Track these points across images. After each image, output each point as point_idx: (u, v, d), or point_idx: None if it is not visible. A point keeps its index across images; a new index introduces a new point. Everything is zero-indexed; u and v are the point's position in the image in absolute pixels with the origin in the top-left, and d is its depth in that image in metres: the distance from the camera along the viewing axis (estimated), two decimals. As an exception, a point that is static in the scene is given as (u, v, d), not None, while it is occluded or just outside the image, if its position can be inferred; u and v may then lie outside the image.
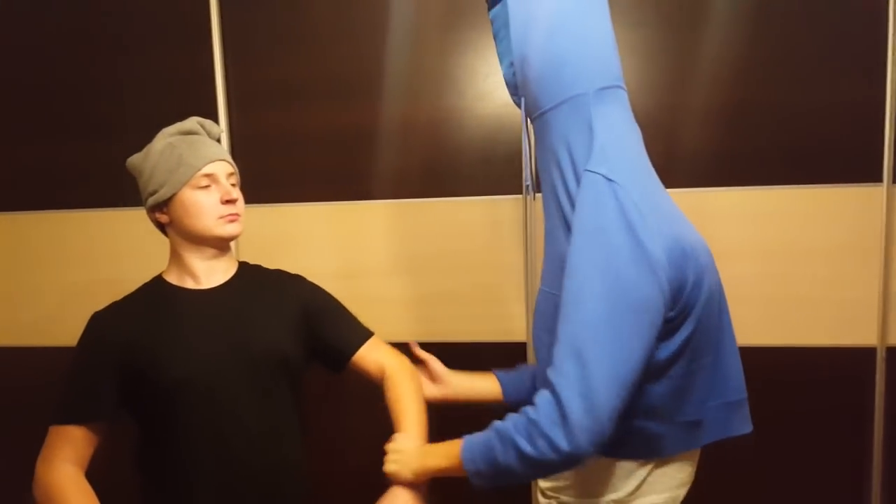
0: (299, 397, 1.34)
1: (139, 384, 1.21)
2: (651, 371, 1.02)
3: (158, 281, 1.31)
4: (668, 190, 1.66)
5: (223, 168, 1.25)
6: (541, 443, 0.95)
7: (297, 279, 1.39)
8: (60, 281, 1.93)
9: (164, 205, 1.25)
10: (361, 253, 1.80)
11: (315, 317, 1.34)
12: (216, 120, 1.80)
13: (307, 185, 1.80)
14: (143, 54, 1.84)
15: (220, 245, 1.28)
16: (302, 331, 1.32)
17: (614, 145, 1.04)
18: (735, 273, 1.68)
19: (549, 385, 0.97)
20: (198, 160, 1.22)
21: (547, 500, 1.22)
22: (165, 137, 1.26)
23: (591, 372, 0.94)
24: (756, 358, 1.69)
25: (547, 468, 0.97)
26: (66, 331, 1.93)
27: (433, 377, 1.38)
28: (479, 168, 1.75)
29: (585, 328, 0.95)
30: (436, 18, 1.73)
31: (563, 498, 1.17)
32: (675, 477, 1.12)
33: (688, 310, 1.01)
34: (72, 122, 1.88)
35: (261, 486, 1.24)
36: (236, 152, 1.83)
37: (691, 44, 1.65)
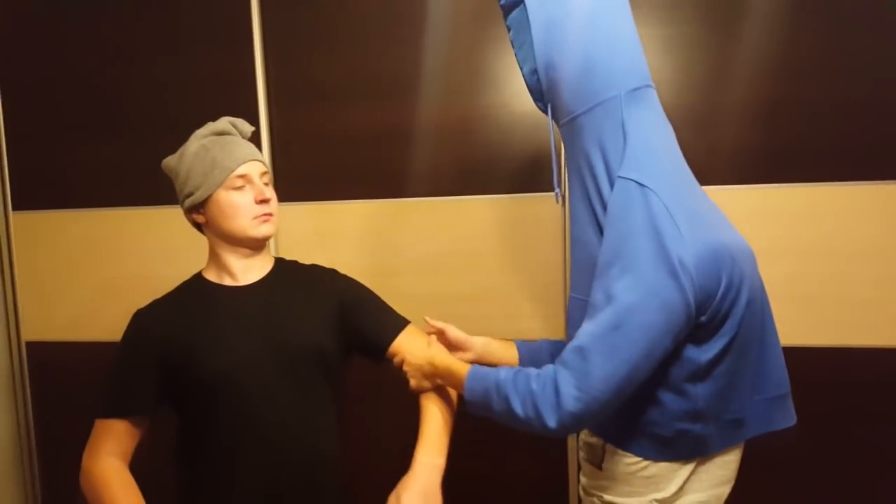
0: (337, 392, 1.35)
1: (179, 379, 1.24)
2: (694, 374, 1.04)
3: (198, 278, 1.34)
4: (707, 187, 1.65)
5: (256, 168, 1.27)
6: (531, 412, 1.02)
7: (332, 273, 1.41)
8: (95, 277, 1.98)
9: (200, 206, 1.27)
10: (397, 250, 1.81)
11: (351, 308, 1.35)
12: (256, 119, 1.83)
13: (345, 183, 1.82)
14: (184, 55, 1.87)
15: (255, 245, 1.31)
16: (338, 324, 1.33)
17: (647, 149, 1.04)
18: (776, 271, 1.64)
19: (554, 366, 1.03)
20: (231, 161, 1.24)
21: (588, 498, 1.22)
22: (198, 139, 1.28)
23: (590, 368, 0.99)
24: (799, 358, 1.64)
25: (525, 429, 1.05)
26: (101, 326, 1.99)
27: (453, 345, 1.36)
28: (515, 165, 1.74)
29: (598, 325, 1.00)
30: (470, 17, 1.73)
31: (606, 497, 1.17)
32: (717, 475, 1.12)
33: (725, 314, 1.02)
34: (112, 121, 1.93)
35: (297, 479, 1.25)
36: (276, 151, 1.85)
37: (729, 40, 1.62)
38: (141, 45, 1.89)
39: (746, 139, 1.64)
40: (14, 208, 2.00)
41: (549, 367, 1.04)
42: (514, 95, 1.73)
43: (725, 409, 1.07)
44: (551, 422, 1.00)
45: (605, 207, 1.05)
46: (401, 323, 1.37)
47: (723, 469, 1.12)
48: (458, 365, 1.20)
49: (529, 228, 1.74)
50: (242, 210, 1.25)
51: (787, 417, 1.16)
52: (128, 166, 1.93)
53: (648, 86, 1.09)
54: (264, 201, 1.26)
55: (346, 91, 1.80)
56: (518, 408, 1.04)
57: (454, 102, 1.76)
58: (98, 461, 1.22)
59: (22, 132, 1.98)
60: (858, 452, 1.67)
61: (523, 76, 1.15)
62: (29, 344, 2.04)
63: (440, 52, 1.75)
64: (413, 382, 1.29)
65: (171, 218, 1.91)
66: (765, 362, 1.11)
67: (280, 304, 1.30)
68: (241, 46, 1.83)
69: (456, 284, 1.80)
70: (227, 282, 1.31)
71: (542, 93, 1.12)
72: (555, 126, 1.16)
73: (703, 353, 1.03)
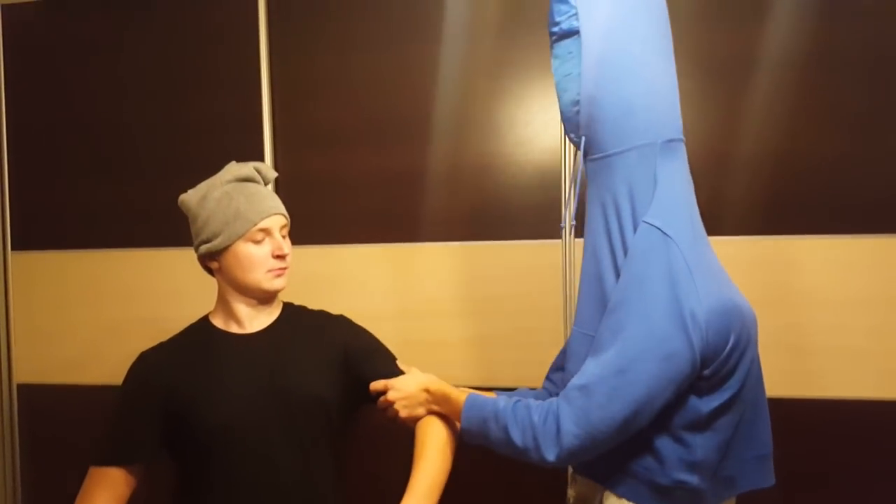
0: (340, 445, 1.32)
1: (179, 428, 1.21)
2: (695, 424, 1.05)
3: (205, 323, 1.32)
4: (715, 237, 1.66)
5: (278, 222, 1.26)
6: (530, 442, 1.05)
7: (339, 319, 1.39)
8: (93, 319, 1.96)
9: (216, 254, 1.25)
10: (403, 295, 1.80)
11: (355, 356, 1.33)
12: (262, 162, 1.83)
13: (352, 228, 1.82)
14: (191, 97, 1.89)
15: (266, 297, 1.30)
16: (343, 372, 1.31)
17: (674, 201, 1.07)
18: (777, 322, 1.64)
19: (557, 401, 1.05)
20: (255, 214, 1.22)
21: None
22: (222, 185, 1.26)
23: (592, 408, 1.01)
24: (796, 409, 1.64)
25: (519, 458, 1.07)
26: (98, 369, 1.95)
27: None
28: (522, 212, 1.75)
29: (604, 367, 1.02)
30: (479, 63, 1.76)
31: None
32: None
33: (731, 370, 1.04)
34: (115, 162, 1.93)
35: None
36: (283, 194, 1.85)
37: (734, 92, 1.65)
38: (147, 87, 1.91)
39: (748, 191, 1.66)
40: (13, 248, 1.99)
41: (552, 401, 1.06)
42: (519, 144, 1.75)
43: (720, 464, 1.09)
44: (550, 455, 1.03)
45: (624, 247, 1.07)
46: (400, 371, 1.34)
47: None
48: (454, 391, 1.21)
49: (536, 274, 1.74)
50: (259, 264, 1.24)
51: (769, 477, 1.17)
52: (129, 207, 1.93)
53: (681, 140, 1.11)
54: (280, 257, 1.25)
55: (352, 136, 1.82)
56: (517, 438, 1.06)
57: (460, 148, 1.77)
58: None
59: (25, 171, 1.98)
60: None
61: (560, 106, 1.15)
62: (20, 386, 2.00)
63: (446, 99, 1.78)
64: (404, 413, 1.26)
65: (171, 260, 1.90)
66: (758, 421, 1.13)
67: (285, 354, 1.28)
68: (249, 90, 1.85)
69: (462, 329, 1.78)
70: (234, 329, 1.29)
71: (579, 126, 1.12)
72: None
73: (704, 404, 1.04)
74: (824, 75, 1.62)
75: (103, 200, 1.94)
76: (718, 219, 1.66)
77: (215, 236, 1.23)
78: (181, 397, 1.21)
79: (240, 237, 1.22)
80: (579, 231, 1.24)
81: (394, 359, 1.37)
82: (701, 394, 1.03)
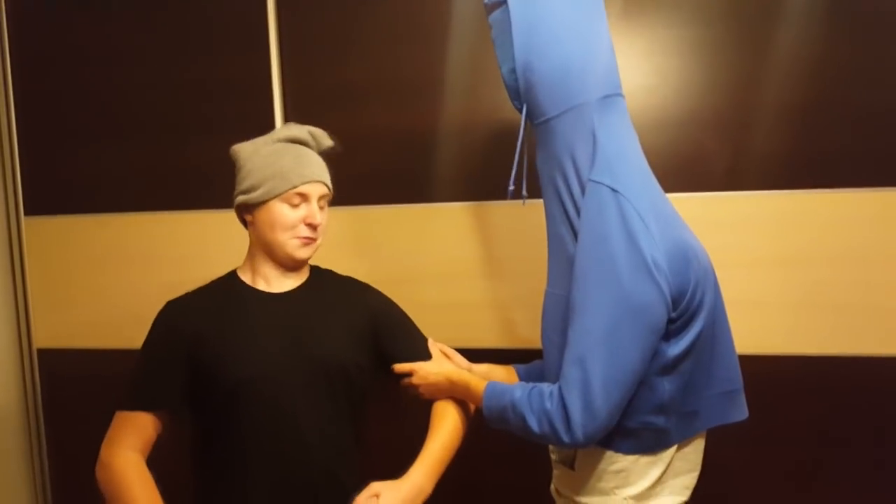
0: (359, 409, 1.33)
1: (202, 380, 1.22)
2: (662, 368, 1.09)
3: (232, 277, 1.32)
4: (738, 192, 1.62)
5: (318, 190, 1.25)
6: (546, 428, 1.08)
7: (369, 289, 1.39)
8: (109, 283, 1.96)
9: (251, 207, 1.25)
10: (418, 256, 1.78)
11: (383, 330, 1.34)
12: (272, 124, 1.80)
13: (365, 188, 1.79)
14: (200, 59, 1.85)
15: (291, 263, 1.29)
16: (369, 342, 1.32)
17: (617, 154, 1.10)
18: (805, 278, 1.60)
19: (560, 384, 1.08)
20: (297, 177, 1.22)
21: (561, 499, 1.27)
22: (274, 142, 1.26)
23: (590, 377, 1.04)
24: (823, 367, 1.61)
25: (543, 443, 1.13)
26: (115, 333, 1.96)
27: None
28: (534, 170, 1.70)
29: (588, 335, 1.05)
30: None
31: (580, 499, 1.21)
32: (679, 467, 1.18)
33: (694, 310, 1.09)
34: (126, 126, 1.90)
35: (310, 492, 1.23)
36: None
37: (757, 42, 1.58)
38: (155, 49, 1.87)
39: (774, 144, 1.60)
40: (26, 213, 1.98)
41: (556, 385, 1.09)
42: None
43: (683, 402, 1.13)
44: (566, 437, 1.06)
45: (576, 207, 1.11)
46: (430, 354, 1.37)
47: (683, 461, 1.19)
48: (474, 381, 1.25)
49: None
50: (289, 226, 1.23)
51: (740, 411, 1.22)
52: (141, 171, 1.91)
53: (619, 94, 1.15)
54: (312, 225, 1.24)
55: (364, 95, 1.77)
56: (534, 425, 1.09)
57: (475, 105, 1.72)
58: (117, 454, 1.20)
59: (35, 136, 1.96)
60: (868, 462, 1.62)
61: (502, 75, 1.19)
62: (41, 351, 2.02)
63: (461, 55, 1.72)
64: (425, 396, 1.34)
65: (185, 223, 1.89)
66: (717, 358, 1.17)
67: (312, 317, 1.28)
68: (257, 50, 1.81)
69: (477, 292, 1.76)
70: (261, 286, 1.29)
71: (519, 93, 1.16)
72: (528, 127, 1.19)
73: (671, 348, 1.08)
74: (854, 24, 1.54)
75: (113, 164, 1.92)
76: (747, 173, 1.61)
77: (254, 189, 1.23)
78: (207, 349, 1.22)
79: (277, 195, 1.22)
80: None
81: (424, 340, 1.39)
82: (668, 338, 1.08)
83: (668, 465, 1.16)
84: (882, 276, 1.57)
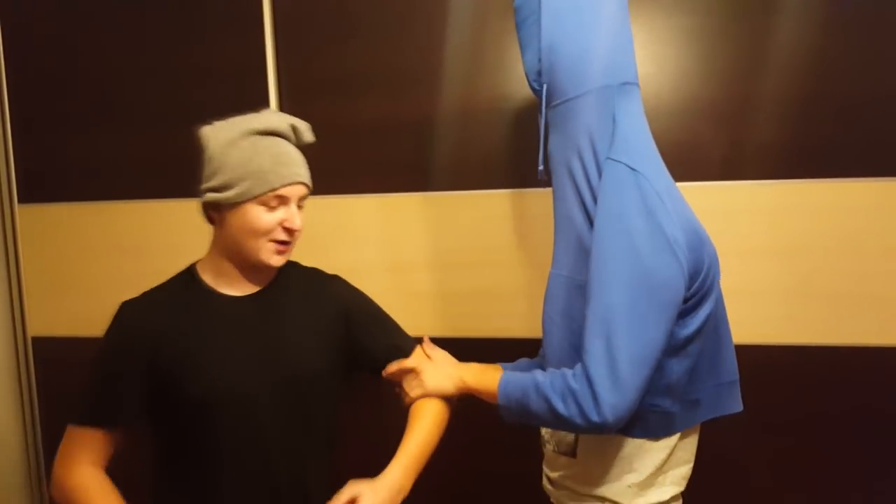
0: (332, 414, 1.27)
1: (163, 390, 1.13)
2: (672, 348, 1.09)
3: (192, 277, 1.21)
4: (733, 182, 1.62)
5: (298, 192, 1.15)
6: (573, 408, 1.05)
7: (336, 281, 1.32)
8: (103, 271, 1.94)
9: (222, 207, 1.14)
10: (411, 245, 1.77)
11: (356, 323, 1.27)
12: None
13: (361, 176, 1.78)
14: (194, 45, 1.84)
15: (260, 268, 1.19)
16: (340, 339, 1.25)
17: (636, 137, 1.13)
18: (805, 268, 1.60)
19: (581, 362, 1.06)
20: (277, 178, 1.11)
21: (559, 492, 1.26)
22: (250, 133, 1.13)
23: (616, 352, 1.02)
24: (822, 357, 1.61)
25: (570, 427, 1.08)
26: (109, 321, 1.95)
27: None
28: (532, 158, 1.70)
29: (611, 311, 1.03)
30: (491, 5, 1.68)
31: (581, 489, 1.20)
32: (680, 457, 1.19)
33: (706, 291, 1.09)
34: (120, 113, 1.89)
35: None
36: (287, 143, 1.81)
37: (755, 31, 1.58)
38: (149, 35, 1.86)
39: (770, 133, 1.60)
40: (20, 201, 1.97)
41: (579, 365, 1.07)
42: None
43: (687, 389, 1.14)
44: (595, 415, 1.03)
45: (590, 188, 1.12)
46: (409, 345, 1.31)
47: (683, 451, 1.20)
48: (488, 377, 1.22)
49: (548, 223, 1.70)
50: (264, 231, 1.13)
51: (736, 403, 1.23)
52: (136, 159, 1.90)
53: (637, 84, 1.17)
54: (290, 231, 1.15)
55: (361, 82, 1.76)
56: (561, 407, 1.06)
57: (472, 93, 1.71)
58: (73, 471, 1.13)
59: (29, 124, 1.95)
60: (864, 451, 1.63)
61: (524, 59, 1.20)
62: (35, 339, 2.01)
63: (459, 41, 1.71)
64: (414, 394, 1.28)
65: (180, 211, 1.88)
66: (720, 346, 1.18)
67: (279, 320, 1.20)
68: (252, 35, 1.79)
69: (472, 281, 1.75)
70: (224, 288, 1.20)
71: (541, 73, 1.17)
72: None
73: (682, 329, 1.09)
74: (854, 14, 1.53)
75: (108, 152, 1.91)
76: (743, 163, 1.61)
77: (226, 188, 1.11)
78: (168, 359, 1.13)
79: (253, 198, 1.11)
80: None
81: (395, 325, 1.33)
82: (680, 317, 1.08)
83: (671, 453, 1.17)
84: (877, 265, 1.58)
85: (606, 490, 1.17)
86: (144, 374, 1.14)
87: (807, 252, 1.60)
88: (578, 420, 1.04)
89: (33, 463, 2.05)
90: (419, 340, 1.34)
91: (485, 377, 1.23)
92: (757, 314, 1.63)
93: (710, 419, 1.20)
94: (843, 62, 1.55)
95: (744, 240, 1.62)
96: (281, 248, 1.16)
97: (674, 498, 1.20)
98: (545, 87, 1.16)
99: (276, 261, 1.17)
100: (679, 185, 1.58)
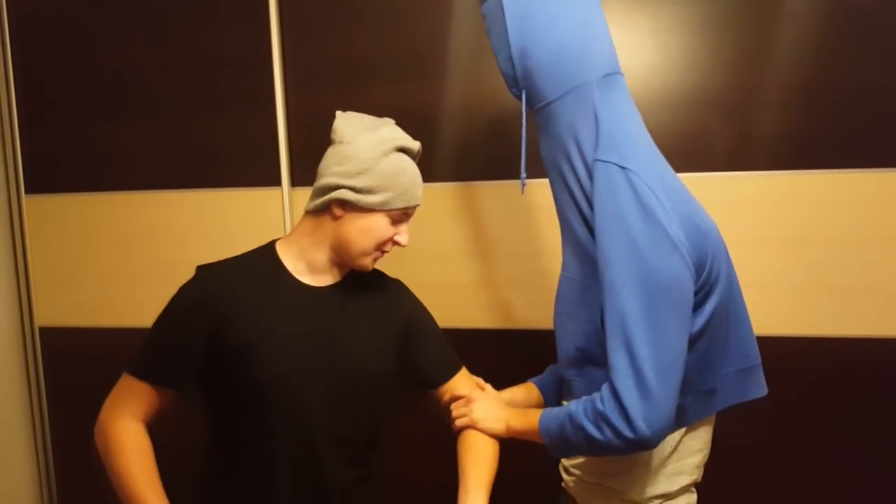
0: (379, 414, 1.29)
1: (224, 364, 1.15)
2: None
3: (273, 258, 1.22)
4: (739, 173, 1.61)
5: (414, 212, 1.24)
6: (607, 431, 1.02)
7: (400, 287, 1.35)
8: (111, 262, 1.95)
9: (354, 207, 1.16)
10: (418, 236, 1.77)
11: (414, 334, 1.30)
12: (273, 100, 1.79)
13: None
14: (201, 35, 1.84)
15: (349, 266, 1.24)
16: (398, 346, 1.28)
17: (621, 131, 1.09)
18: (810, 259, 1.60)
19: (608, 380, 1.03)
20: (413, 197, 1.18)
21: (570, 477, 1.25)
22: (397, 149, 1.17)
23: (640, 363, 0.99)
24: (829, 349, 1.61)
25: (613, 451, 1.04)
26: (117, 312, 1.96)
27: None
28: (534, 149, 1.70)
29: (626, 319, 1.01)
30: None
31: (589, 478, 1.20)
32: (691, 445, 1.17)
33: (711, 284, 1.07)
34: (127, 103, 1.90)
35: (324, 496, 1.20)
36: (293, 134, 1.82)
37: (763, 21, 1.57)
38: (156, 25, 1.86)
39: (776, 124, 1.59)
40: (27, 191, 1.98)
41: (606, 385, 1.04)
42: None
43: (700, 379, 1.12)
44: (629, 432, 1.00)
45: (582, 190, 1.10)
46: (456, 363, 1.33)
47: (696, 440, 1.17)
48: (529, 418, 1.19)
49: (551, 214, 1.70)
50: (379, 239, 1.18)
51: (758, 388, 1.21)
52: (143, 149, 1.90)
53: (618, 72, 1.13)
54: (398, 244, 1.21)
55: (366, 72, 1.76)
56: (594, 431, 1.03)
57: (478, 84, 1.71)
58: (117, 422, 1.15)
59: (36, 114, 1.95)
60: (870, 443, 1.63)
61: (498, 64, 1.17)
62: (43, 330, 2.02)
63: (464, 32, 1.71)
64: (460, 422, 1.28)
65: (187, 202, 1.88)
66: (733, 334, 1.16)
67: (348, 319, 1.23)
68: (258, 26, 1.79)
69: (474, 272, 1.76)
70: (304, 276, 1.22)
71: (517, 80, 1.15)
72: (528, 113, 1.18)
73: (691, 326, 1.06)
74: (853, 7, 1.53)
75: (115, 143, 1.91)
76: (749, 153, 1.61)
77: (371, 193, 1.14)
78: (235, 334, 1.14)
79: (391, 209, 1.16)
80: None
81: (446, 344, 1.34)
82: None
83: (679, 443, 1.15)
84: (882, 257, 1.57)
85: (615, 481, 1.17)
86: (207, 341, 1.15)
87: (813, 243, 1.60)
88: (616, 442, 1.01)
89: (41, 452, 2.07)
90: (461, 365, 1.34)
91: (527, 419, 1.20)
92: (762, 306, 1.63)
93: (730, 406, 1.18)
94: (850, 53, 1.55)
95: (749, 231, 1.61)
96: (381, 255, 1.21)
97: (684, 488, 1.19)
98: (524, 92, 1.15)
99: (373, 266, 1.22)
100: (684, 175, 1.61)
